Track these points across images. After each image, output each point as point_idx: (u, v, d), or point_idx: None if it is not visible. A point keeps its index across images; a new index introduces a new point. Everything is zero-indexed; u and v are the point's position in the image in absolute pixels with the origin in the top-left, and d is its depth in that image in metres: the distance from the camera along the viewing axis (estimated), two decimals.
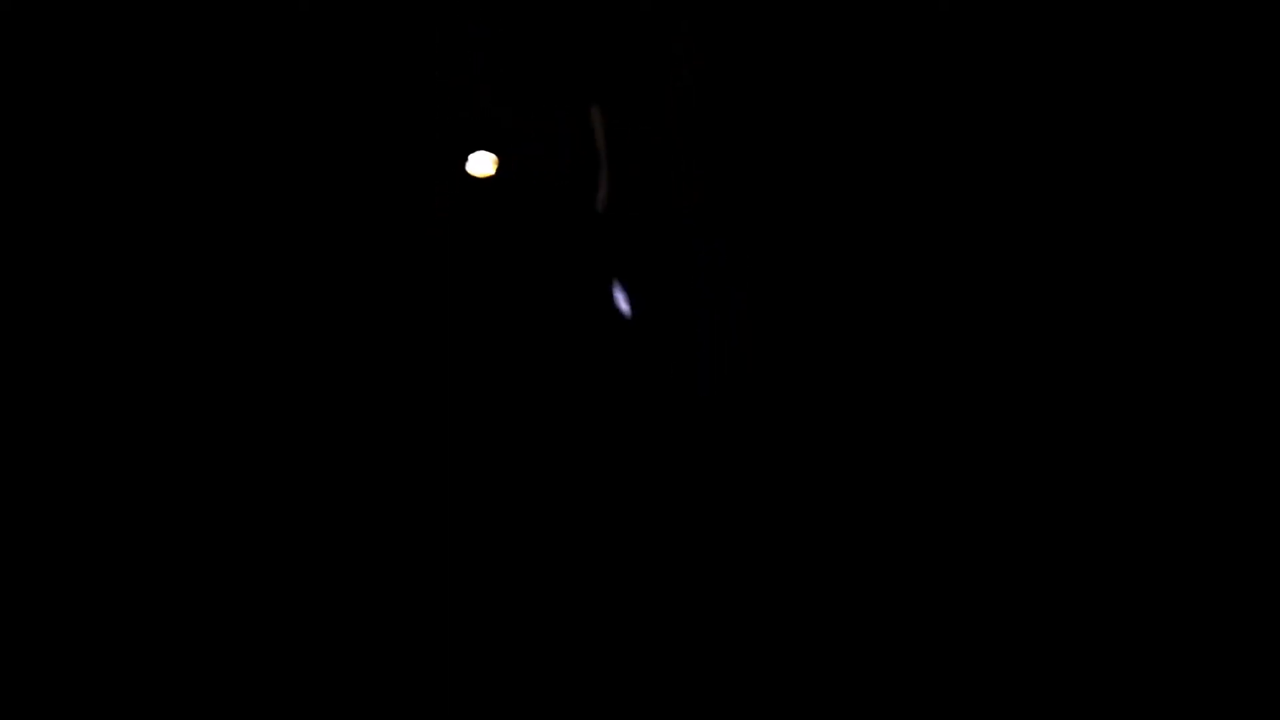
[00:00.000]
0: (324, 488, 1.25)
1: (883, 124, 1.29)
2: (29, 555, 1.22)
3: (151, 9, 1.28)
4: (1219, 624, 1.18)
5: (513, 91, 1.27)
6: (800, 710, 1.20)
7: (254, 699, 1.19)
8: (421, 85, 1.29)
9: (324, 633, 1.22)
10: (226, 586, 1.23)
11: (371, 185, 1.30)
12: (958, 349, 1.26)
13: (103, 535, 1.23)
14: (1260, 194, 1.23)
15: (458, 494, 1.25)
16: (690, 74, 1.28)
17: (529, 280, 1.27)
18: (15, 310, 1.26)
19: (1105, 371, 1.25)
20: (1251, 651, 1.17)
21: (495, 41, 1.28)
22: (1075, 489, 1.24)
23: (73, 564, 1.23)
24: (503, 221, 1.28)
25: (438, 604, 1.23)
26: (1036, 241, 1.27)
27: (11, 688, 1.18)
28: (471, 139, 1.27)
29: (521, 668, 1.21)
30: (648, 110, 1.27)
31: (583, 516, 1.25)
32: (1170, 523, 1.22)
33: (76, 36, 1.28)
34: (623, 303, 1.23)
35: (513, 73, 1.28)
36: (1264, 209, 1.23)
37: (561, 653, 1.22)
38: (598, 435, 1.25)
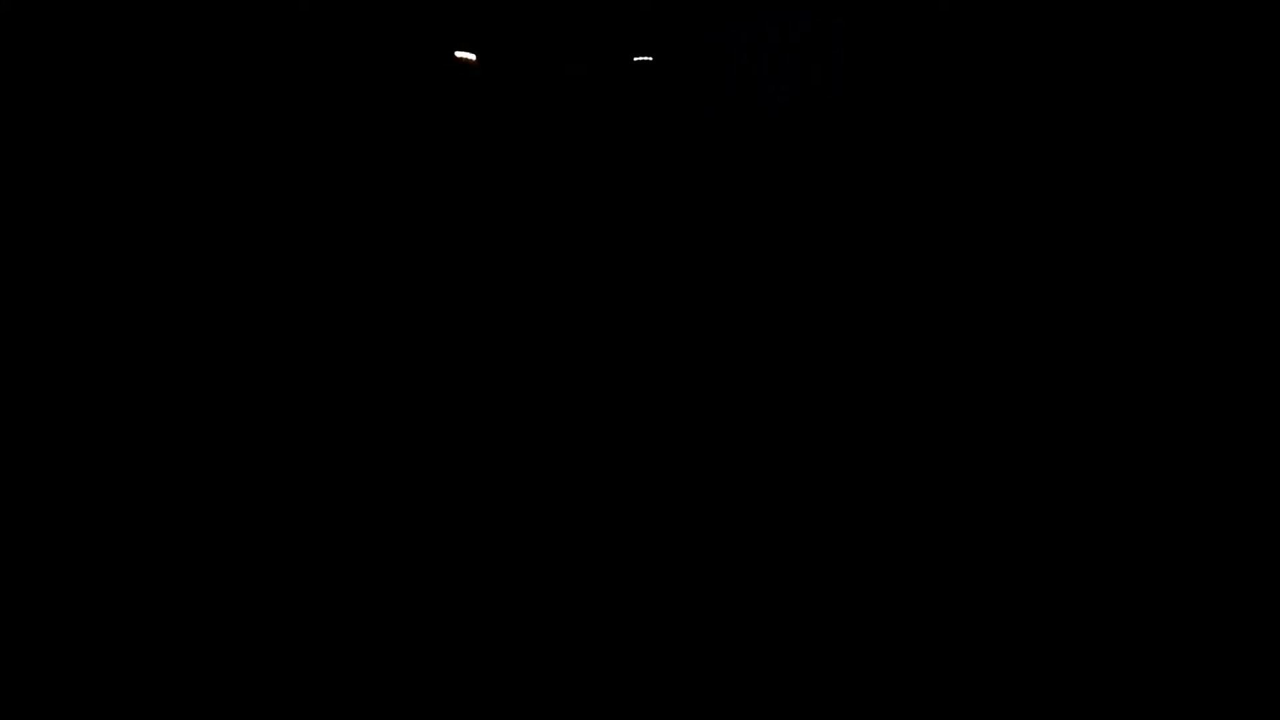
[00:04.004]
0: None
1: (883, 123, 1.29)
2: (28, 555, 1.23)
3: (153, 9, 1.28)
4: (1219, 623, 1.19)
5: (511, 90, 1.28)
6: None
7: (254, 698, 1.19)
8: (419, 84, 1.29)
9: (325, 630, 1.22)
10: (230, 583, 1.23)
11: (369, 183, 1.30)
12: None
13: (105, 534, 1.24)
14: (1260, 194, 1.24)
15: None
16: None
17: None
18: (15, 310, 1.26)
19: (1101, 346, 1.25)
20: (1251, 651, 1.17)
21: (495, 41, 1.28)
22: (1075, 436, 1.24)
23: (72, 563, 1.23)
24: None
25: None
26: (1036, 241, 1.27)
27: (11, 688, 1.18)
28: (471, 136, 1.27)
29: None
30: None
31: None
32: (1169, 520, 1.22)
33: (76, 36, 1.28)
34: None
35: (513, 72, 1.28)
36: (1263, 209, 1.23)
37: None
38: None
